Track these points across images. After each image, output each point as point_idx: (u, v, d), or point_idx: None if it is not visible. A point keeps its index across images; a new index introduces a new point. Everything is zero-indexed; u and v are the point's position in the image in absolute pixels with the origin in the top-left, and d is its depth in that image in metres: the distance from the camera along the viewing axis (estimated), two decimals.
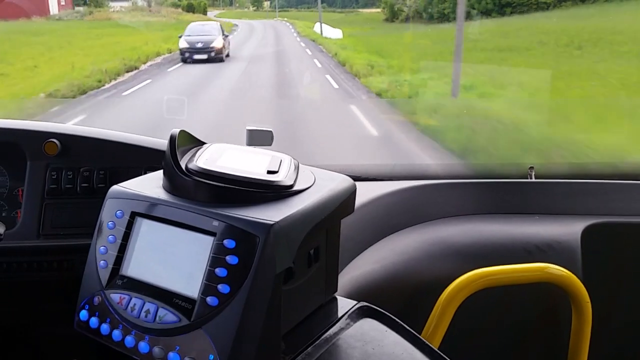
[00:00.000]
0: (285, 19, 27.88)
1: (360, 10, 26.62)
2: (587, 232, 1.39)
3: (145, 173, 0.83)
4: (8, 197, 1.22)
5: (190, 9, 24.02)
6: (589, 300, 1.29)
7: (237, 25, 23.69)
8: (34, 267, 1.14)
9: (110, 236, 0.73)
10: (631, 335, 1.48)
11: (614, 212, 1.47)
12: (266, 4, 31.71)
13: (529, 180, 1.53)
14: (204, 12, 25.08)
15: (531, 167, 1.54)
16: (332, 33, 16.96)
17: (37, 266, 1.14)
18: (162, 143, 1.23)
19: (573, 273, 1.28)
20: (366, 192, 1.35)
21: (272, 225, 0.64)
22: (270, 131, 1.23)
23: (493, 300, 1.28)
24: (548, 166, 1.76)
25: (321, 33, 17.76)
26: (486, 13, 13.87)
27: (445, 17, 15.36)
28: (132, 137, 1.23)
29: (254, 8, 32.06)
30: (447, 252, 1.32)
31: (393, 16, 18.97)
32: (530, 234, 1.37)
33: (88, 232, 0.78)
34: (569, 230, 1.39)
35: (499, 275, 1.24)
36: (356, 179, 0.82)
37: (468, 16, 13.16)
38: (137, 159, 1.18)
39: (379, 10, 23.52)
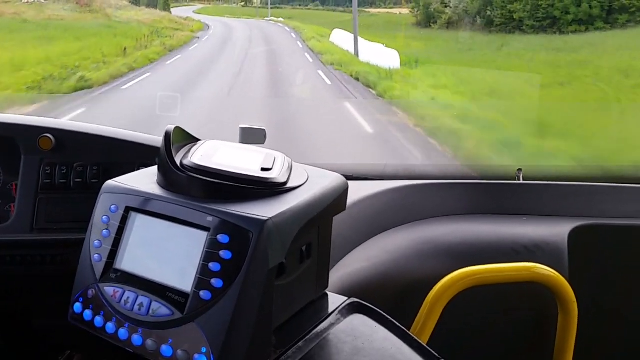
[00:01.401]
0: (282, 19, 21.44)
1: (368, 10, 21.28)
2: (574, 234, 1.41)
3: (138, 169, 0.84)
4: (2, 191, 1.22)
5: (148, 4, 17.06)
6: (575, 300, 1.32)
7: (208, 27, 17.14)
8: (27, 261, 1.14)
9: (104, 230, 0.73)
10: (616, 335, 1.51)
11: (600, 214, 1.50)
12: (256, 0, 26.57)
13: (517, 182, 1.56)
14: (166, 7, 17.95)
15: (519, 169, 1.57)
16: (377, 54, 9.70)
17: (31, 260, 1.14)
18: (155, 139, 1.24)
19: (560, 273, 1.30)
20: (358, 191, 1.36)
21: (265, 221, 0.65)
22: (263, 129, 1.24)
23: (481, 299, 1.30)
24: (536, 168, 1.79)
25: (355, 53, 10.47)
26: (585, 22, 9.36)
27: (516, 22, 10.56)
28: (126, 133, 1.24)
29: (242, 3, 26.45)
30: (437, 251, 1.34)
31: (428, 20, 14.00)
32: (518, 235, 1.39)
33: (81, 226, 0.79)
34: (556, 231, 1.41)
35: (487, 274, 1.26)
36: (348, 177, 0.84)
37: (553, 24, 9.77)
38: (130, 155, 1.19)
39: (390, 9, 18.58)
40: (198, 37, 14.63)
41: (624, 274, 1.49)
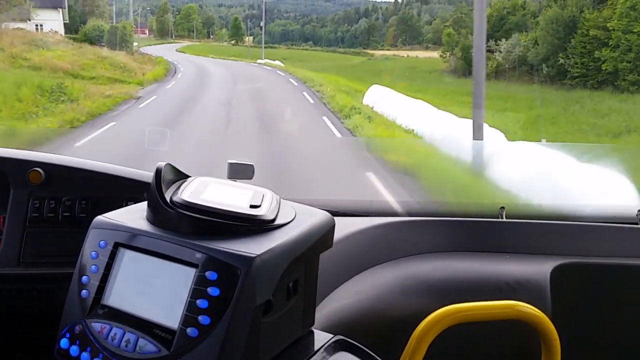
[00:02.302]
0: (278, 62, 16.62)
1: (370, 52, 18.50)
2: (556, 272, 1.43)
3: (127, 204, 0.85)
4: None
5: (111, 41, 12.95)
6: (557, 338, 1.33)
7: (175, 73, 12.21)
8: (13, 295, 1.13)
9: (92, 266, 0.74)
10: None
11: (582, 253, 1.52)
12: (248, 39, 23.37)
13: (500, 219, 1.58)
14: (123, 45, 13.18)
15: (502, 207, 1.60)
16: (506, 158, 4.80)
17: (17, 294, 1.13)
18: (144, 174, 1.25)
19: (542, 311, 1.32)
20: (344, 227, 1.38)
21: (254, 258, 0.66)
22: (252, 165, 1.26)
23: (465, 336, 1.31)
24: (519, 206, 1.82)
25: (477, 167, 4.79)
26: None
27: (605, 75, 7.52)
28: (115, 168, 1.25)
29: (233, 42, 23.46)
30: (422, 288, 1.35)
31: (467, 66, 10.33)
32: (501, 272, 1.41)
33: (68, 260, 0.79)
34: (538, 269, 1.43)
35: (471, 311, 1.27)
36: (334, 213, 0.85)
37: None
38: (119, 190, 1.20)
39: (395, 51, 15.69)
40: (137, 99, 8.16)
41: (606, 312, 1.51)
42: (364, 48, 19.79)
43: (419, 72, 12.76)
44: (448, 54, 13.22)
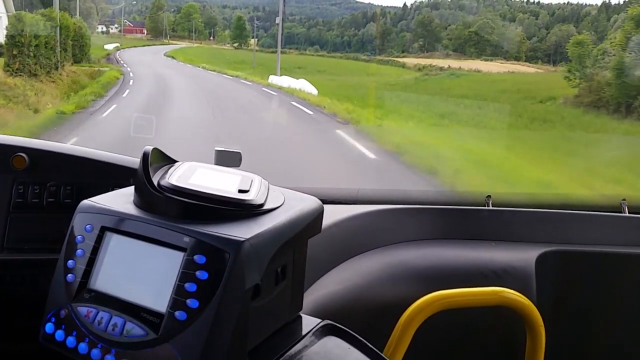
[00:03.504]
0: (304, 81, 10.67)
1: (398, 59, 15.85)
2: (541, 259, 1.45)
3: (112, 190, 0.84)
4: None
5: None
6: (542, 324, 1.35)
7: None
8: None
9: (79, 250, 0.73)
10: (582, 358, 1.54)
11: (566, 241, 1.54)
12: (254, 41, 20.34)
13: (486, 208, 1.60)
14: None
15: (488, 196, 1.61)
16: None
17: (0, 280, 1.12)
18: (129, 160, 1.24)
19: (527, 298, 1.33)
20: (332, 215, 1.38)
21: (242, 242, 0.66)
22: (239, 152, 1.25)
23: (451, 322, 1.32)
24: (505, 195, 1.84)
25: None
26: None
27: None
28: (101, 153, 1.24)
29: (236, 44, 20.27)
30: (408, 275, 1.36)
31: (624, 98, 6.63)
32: (487, 259, 1.43)
33: (53, 246, 0.78)
34: (524, 256, 1.45)
35: (457, 298, 1.28)
36: (322, 201, 0.85)
37: None
38: (104, 176, 1.19)
39: (428, 59, 12.26)
40: None
41: (589, 298, 1.53)
42: (373, 54, 18.20)
43: (527, 103, 8.17)
44: (577, 74, 8.92)
